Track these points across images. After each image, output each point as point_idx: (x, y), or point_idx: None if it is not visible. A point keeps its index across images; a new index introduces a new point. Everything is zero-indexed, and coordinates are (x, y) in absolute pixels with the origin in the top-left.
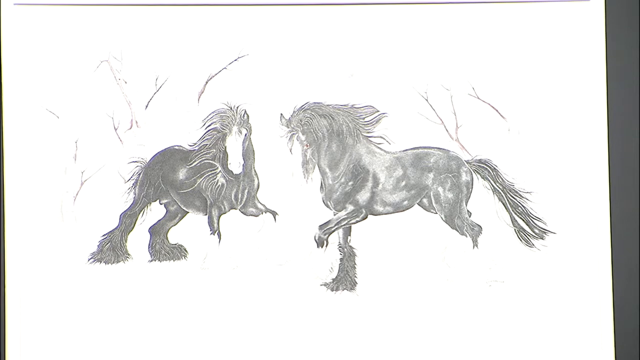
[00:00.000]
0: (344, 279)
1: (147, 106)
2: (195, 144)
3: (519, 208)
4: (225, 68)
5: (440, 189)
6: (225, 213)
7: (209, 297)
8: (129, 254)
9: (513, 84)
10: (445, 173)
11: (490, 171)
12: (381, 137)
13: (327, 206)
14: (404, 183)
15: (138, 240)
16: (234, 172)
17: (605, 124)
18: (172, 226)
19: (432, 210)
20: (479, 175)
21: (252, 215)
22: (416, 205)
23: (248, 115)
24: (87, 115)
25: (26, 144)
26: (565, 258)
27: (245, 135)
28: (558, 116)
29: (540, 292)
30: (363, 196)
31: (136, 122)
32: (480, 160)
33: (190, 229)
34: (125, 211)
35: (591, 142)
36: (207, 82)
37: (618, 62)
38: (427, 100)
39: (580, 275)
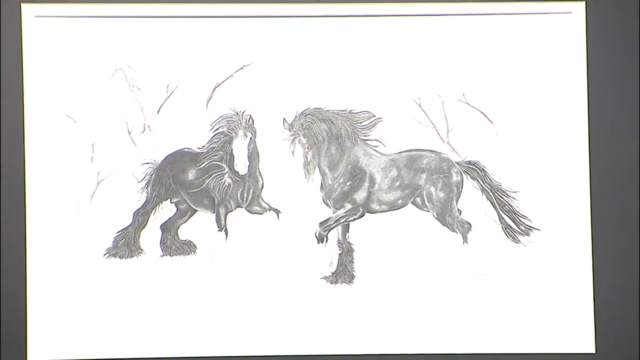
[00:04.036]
0: (343, 272)
1: (158, 111)
2: (204, 146)
3: (506, 206)
4: (231, 76)
5: (432, 189)
6: (231, 211)
7: (216, 289)
8: (142, 250)
9: (501, 91)
10: (437, 174)
11: (479, 172)
12: (377, 140)
13: (327, 205)
14: (398, 183)
15: (150, 236)
16: (240, 173)
17: (586, 128)
18: (182, 223)
19: (424, 209)
20: (468, 176)
21: (256, 213)
22: (410, 204)
23: (253, 120)
24: (102, 120)
25: (46, 147)
26: (549, 253)
27: (251, 138)
28: (542, 120)
29: (526, 284)
30: (360, 195)
31: (148, 126)
32: (469, 162)
33: (199, 226)
34: (138, 209)
35: (573, 144)
36: (214, 89)
37: (598, 70)
38: (420, 105)
39: (563, 269)
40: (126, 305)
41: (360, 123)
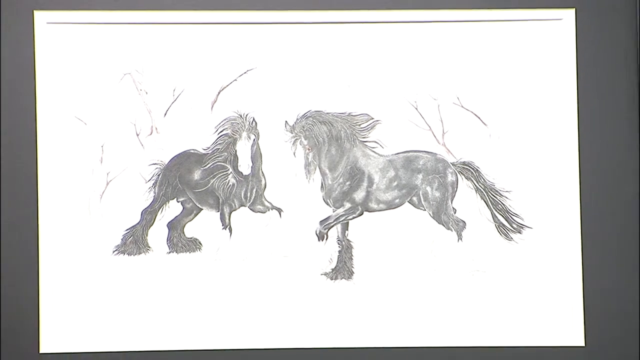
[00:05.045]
0: (342, 269)
1: (165, 114)
2: (209, 148)
3: (499, 205)
4: (235, 80)
5: (428, 188)
6: (235, 210)
7: (221, 285)
8: (149, 247)
9: (494, 94)
10: (432, 174)
11: (473, 172)
12: (375, 141)
13: (327, 204)
14: (395, 183)
15: (157, 234)
16: (244, 173)
17: (575, 130)
18: (188, 222)
19: (421, 208)
20: (463, 176)
21: (259, 212)
22: (407, 203)
23: (256, 122)
24: (112, 122)
25: (57, 148)
26: (541, 250)
27: (254, 140)
28: (534, 123)
29: (518, 280)
30: (359, 195)
31: (156, 128)
32: (464, 163)
33: (204, 224)
34: (146, 208)
35: (563, 146)
36: (219, 93)
37: (587, 74)
38: (416, 108)
39: (554, 265)
40: (134, 300)
41: (359, 125)
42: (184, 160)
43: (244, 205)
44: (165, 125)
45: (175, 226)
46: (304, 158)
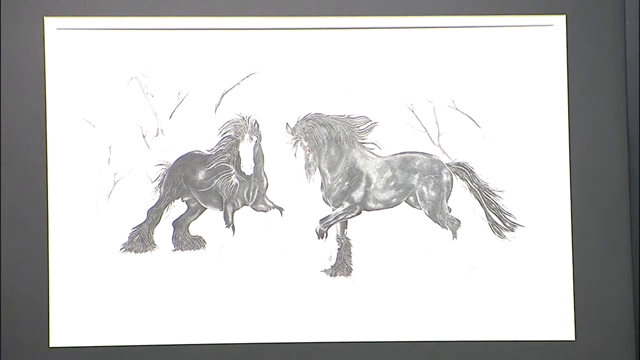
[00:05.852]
0: (341, 266)
1: (171, 116)
2: (213, 149)
3: (493, 205)
4: (238, 84)
5: (424, 188)
6: (238, 209)
7: (224, 281)
8: (155, 245)
9: (488, 98)
10: (428, 174)
11: (468, 173)
12: (373, 143)
13: (327, 203)
14: (393, 183)
15: (163, 232)
16: (246, 174)
17: (566, 132)
18: (193, 220)
19: (417, 207)
20: (457, 176)
21: (261, 211)
22: (403, 202)
23: (258, 124)
24: (119, 125)
25: (67, 150)
26: (533, 247)
27: (256, 141)
28: (526, 125)
29: (511, 277)
30: (358, 194)
31: (161, 130)
32: (459, 163)
33: (208, 223)
34: (152, 207)
35: (555, 147)
36: (222, 96)
37: (578, 79)
38: (413, 111)
39: (545, 262)
40: (140, 295)
41: (358, 127)
42: (189, 161)
43: (247, 205)
44: (170, 128)
45: (180, 225)
46: (304, 159)
